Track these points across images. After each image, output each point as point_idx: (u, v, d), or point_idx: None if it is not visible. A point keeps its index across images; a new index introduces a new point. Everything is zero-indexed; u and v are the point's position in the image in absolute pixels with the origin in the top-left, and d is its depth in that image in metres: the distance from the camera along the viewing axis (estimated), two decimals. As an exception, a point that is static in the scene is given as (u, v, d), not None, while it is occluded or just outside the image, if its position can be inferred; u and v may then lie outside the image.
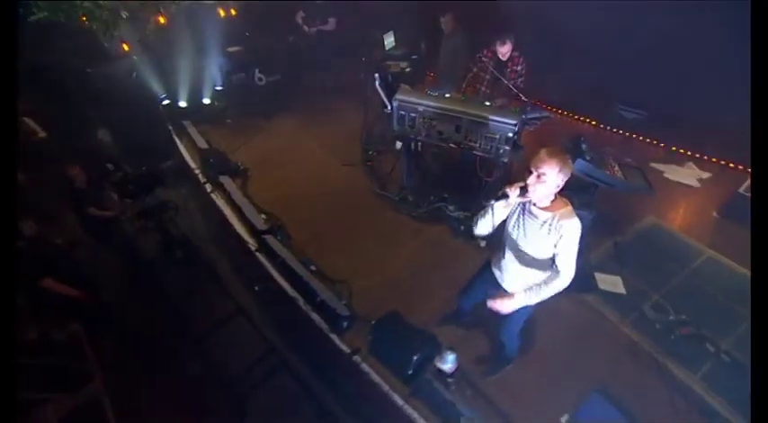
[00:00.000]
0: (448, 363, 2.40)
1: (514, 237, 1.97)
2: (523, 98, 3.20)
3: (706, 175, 4.34)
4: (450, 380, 2.42)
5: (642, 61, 4.41)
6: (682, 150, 4.63)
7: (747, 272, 3.30)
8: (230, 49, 5.70)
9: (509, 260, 2.05)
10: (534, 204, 1.86)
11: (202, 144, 4.81)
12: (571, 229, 1.80)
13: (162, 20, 4.47)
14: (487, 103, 3.35)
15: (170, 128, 5.51)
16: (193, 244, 4.23)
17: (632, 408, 2.44)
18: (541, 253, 1.90)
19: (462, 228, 3.66)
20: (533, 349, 2.78)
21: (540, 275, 1.96)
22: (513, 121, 3.01)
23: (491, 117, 3.08)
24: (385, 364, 2.64)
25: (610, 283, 3.18)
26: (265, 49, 5.82)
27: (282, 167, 4.77)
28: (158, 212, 3.87)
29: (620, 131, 4.99)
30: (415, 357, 2.43)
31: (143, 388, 3.51)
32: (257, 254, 3.53)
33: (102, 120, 6.03)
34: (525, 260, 1.98)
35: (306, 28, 5.64)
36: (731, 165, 4.38)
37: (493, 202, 1.87)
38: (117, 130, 6.13)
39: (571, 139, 2.99)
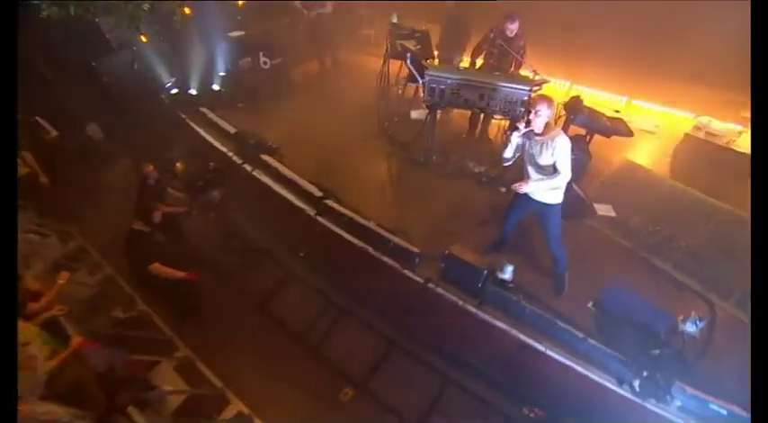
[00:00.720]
0: (507, 273, 3.27)
1: (530, 157, 3.03)
2: (532, 68, 4.01)
3: (659, 121, 5.48)
4: (510, 286, 3.29)
5: (604, 28, 5.34)
6: (640, 102, 5.74)
7: (697, 193, 4.45)
8: (232, 35, 5.96)
9: (531, 174, 3.10)
10: (536, 134, 2.91)
11: (230, 129, 5.17)
12: (561, 143, 2.87)
13: (187, 10, 4.70)
14: (497, 73, 4.14)
15: (182, 116, 5.74)
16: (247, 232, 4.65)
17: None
18: (547, 163, 2.96)
19: (484, 179, 4.50)
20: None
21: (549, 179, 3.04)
22: (527, 87, 3.83)
23: (509, 85, 3.88)
24: (456, 284, 3.45)
25: (604, 209, 4.19)
26: (266, 34, 6.12)
27: (309, 143, 5.28)
28: (221, 205, 4.26)
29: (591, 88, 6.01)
30: (485, 272, 3.26)
31: (226, 348, 4.09)
32: (318, 217, 4.14)
33: (102, 113, 6.09)
34: (539, 171, 3.04)
35: (305, 11, 6.02)
36: (676, 112, 5.54)
37: (510, 133, 2.96)
38: (116, 123, 6.22)
39: (572, 100, 3.87)
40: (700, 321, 2.76)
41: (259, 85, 6.10)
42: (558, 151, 2.88)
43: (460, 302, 3.41)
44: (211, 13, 5.47)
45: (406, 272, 3.64)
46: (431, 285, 3.53)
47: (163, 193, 4.17)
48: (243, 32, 6.02)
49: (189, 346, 4.05)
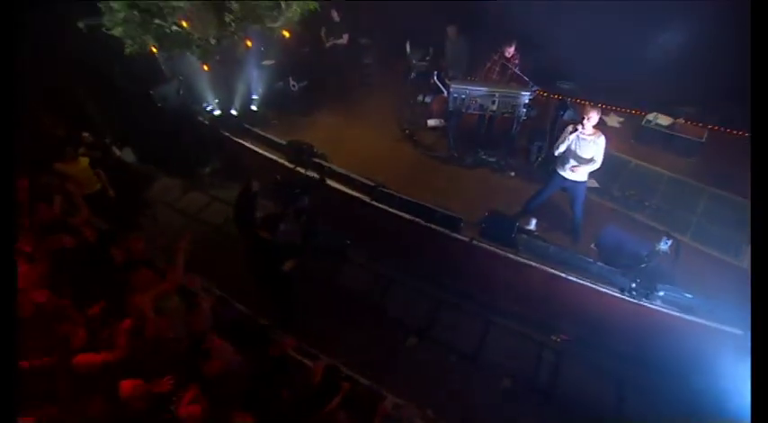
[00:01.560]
0: (532, 224, 4.72)
1: (576, 150, 4.40)
2: (527, 79, 5.63)
3: (621, 119, 7.30)
4: (536, 234, 4.71)
5: (573, 47, 7.11)
6: (605, 106, 7.56)
7: (654, 167, 6.17)
8: (265, 63, 7.29)
9: (572, 163, 4.46)
10: (584, 134, 4.30)
11: (279, 140, 6.40)
12: (602, 141, 4.31)
13: (249, 43, 5.98)
14: (501, 84, 5.75)
15: (225, 134, 6.90)
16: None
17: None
18: (588, 155, 4.36)
19: (496, 167, 6.01)
20: (566, 219, 5.20)
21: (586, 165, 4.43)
22: (528, 93, 5.44)
23: (513, 92, 5.47)
24: (494, 239, 4.82)
25: (591, 183, 5.74)
26: (294, 61, 7.49)
27: (345, 149, 6.56)
28: (309, 209, 5.28)
29: (563, 97, 7.79)
30: (517, 224, 4.67)
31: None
32: (373, 202, 5.42)
33: (152, 134, 7.09)
34: (581, 160, 4.43)
35: (323, 38, 7.48)
36: (633, 111, 7.40)
37: (570, 128, 4.31)
38: (157, 144, 7.23)
39: (560, 101, 5.51)
40: (668, 240, 4.29)
41: (288, 104, 7.41)
42: (600, 147, 4.33)
43: (499, 251, 4.78)
44: (268, 45, 6.78)
45: (453, 235, 4.98)
46: (475, 242, 4.88)
47: (255, 203, 5.15)
48: (273, 61, 7.36)
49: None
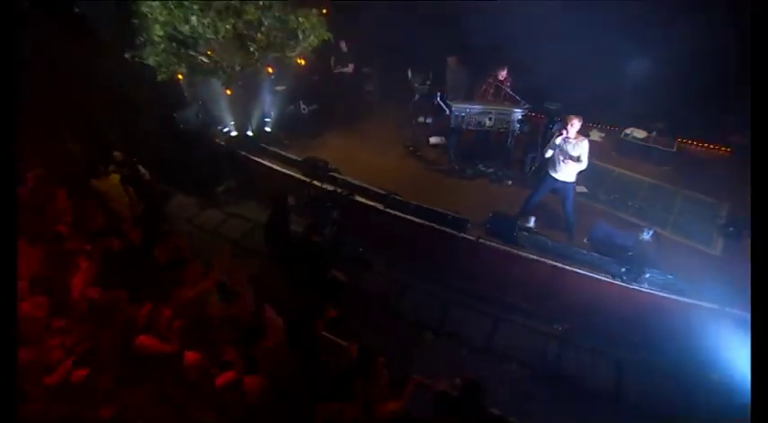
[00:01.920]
0: (531, 222, 5.40)
1: (563, 152, 5.13)
2: (518, 98, 6.49)
3: (602, 134, 8.22)
4: (535, 231, 5.39)
5: (558, 70, 8.07)
6: (589, 124, 8.49)
7: (634, 174, 7.01)
8: (278, 88, 8.06)
9: (561, 163, 5.20)
10: (569, 138, 5.05)
11: (295, 157, 7.06)
12: (585, 143, 5.08)
13: (270, 70, 6.74)
14: (496, 103, 6.60)
15: (242, 153, 7.52)
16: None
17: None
18: (575, 155, 5.09)
19: (494, 177, 6.75)
20: (561, 219, 5.90)
21: (574, 164, 5.15)
22: (521, 110, 6.28)
23: (508, 109, 6.30)
24: (498, 237, 5.47)
25: (580, 188, 6.53)
26: (303, 86, 8.27)
27: (354, 166, 7.21)
28: (339, 221, 5.85)
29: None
30: (518, 223, 5.33)
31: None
32: (387, 210, 6.05)
33: (170, 155, 7.66)
34: (569, 158, 5.14)
35: (332, 64, 8.33)
36: (609, 126, 8.33)
37: (557, 134, 5.08)
38: (177, 163, 7.77)
39: (549, 117, 6.35)
40: (650, 230, 5.02)
41: (299, 126, 8.13)
42: (583, 149, 5.06)
43: (503, 248, 5.42)
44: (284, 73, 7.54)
45: (462, 235, 5.62)
46: (481, 240, 5.52)
47: (289, 216, 5.70)
48: (285, 87, 8.13)
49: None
